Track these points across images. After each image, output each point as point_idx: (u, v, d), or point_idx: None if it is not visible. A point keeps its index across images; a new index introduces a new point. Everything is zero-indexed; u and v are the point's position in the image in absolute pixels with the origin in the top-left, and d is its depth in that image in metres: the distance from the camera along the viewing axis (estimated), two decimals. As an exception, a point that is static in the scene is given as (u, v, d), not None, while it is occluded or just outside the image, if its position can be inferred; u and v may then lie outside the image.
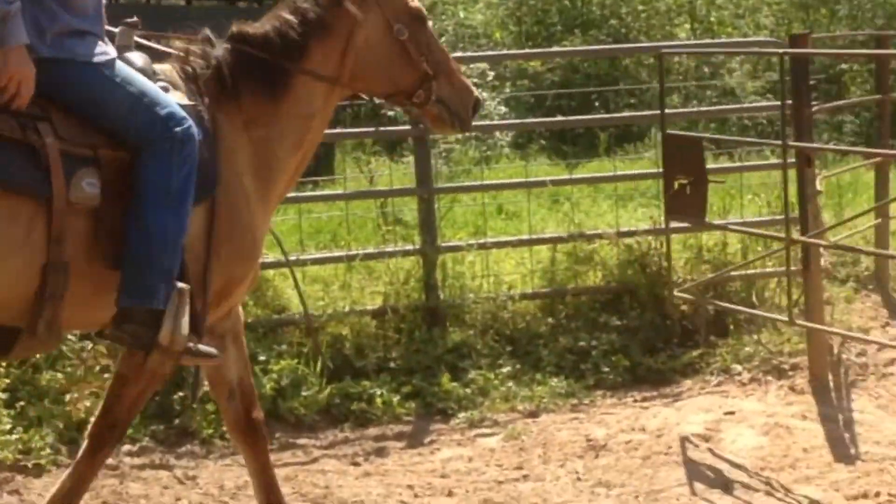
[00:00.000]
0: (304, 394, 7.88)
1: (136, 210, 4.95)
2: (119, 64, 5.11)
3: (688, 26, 21.97)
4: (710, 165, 12.52)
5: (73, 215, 4.86)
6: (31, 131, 4.80)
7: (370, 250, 9.21)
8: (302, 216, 9.83)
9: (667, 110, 17.02)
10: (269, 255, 8.09)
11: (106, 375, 7.49)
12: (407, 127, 9.50)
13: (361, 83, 5.76)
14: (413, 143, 9.60)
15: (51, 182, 4.78)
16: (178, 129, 5.03)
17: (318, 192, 11.47)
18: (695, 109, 16.98)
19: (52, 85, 4.90)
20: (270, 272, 8.61)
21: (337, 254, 9.37)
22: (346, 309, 8.57)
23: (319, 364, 7.99)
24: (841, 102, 13.07)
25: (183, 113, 5.10)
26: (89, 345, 7.59)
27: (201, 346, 5.16)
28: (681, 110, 17.11)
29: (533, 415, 7.94)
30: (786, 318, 7.81)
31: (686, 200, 7.81)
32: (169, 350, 4.99)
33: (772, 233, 8.67)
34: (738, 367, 8.38)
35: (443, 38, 16.87)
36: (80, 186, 4.87)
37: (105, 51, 5.08)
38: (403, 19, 5.68)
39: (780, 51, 7.93)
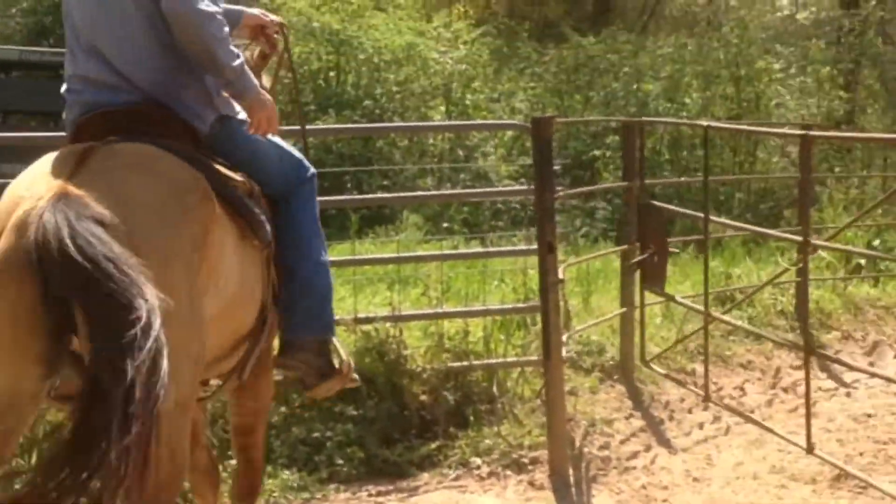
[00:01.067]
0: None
1: (302, 248, 5.27)
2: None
3: (443, 108, 21.95)
4: (462, 250, 12.54)
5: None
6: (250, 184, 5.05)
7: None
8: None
9: (419, 192, 17.05)
10: None
11: None
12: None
13: None
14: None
15: (267, 228, 5.00)
16: (311, 169, 5.44)
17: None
18: (447, 192, 16.90)
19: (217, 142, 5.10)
20: None
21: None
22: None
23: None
24: (585, 189, 13.08)
25: None
26: None
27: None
28: (434, 193, 17.04)
29: (262, 510, 7.49)
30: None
31: (654, 270, 7.70)
32: (346, 375, 5.44)
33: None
34: (478, 461, 8.02)
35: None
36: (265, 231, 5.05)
37: (235, 106, 5.17)
38: None
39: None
